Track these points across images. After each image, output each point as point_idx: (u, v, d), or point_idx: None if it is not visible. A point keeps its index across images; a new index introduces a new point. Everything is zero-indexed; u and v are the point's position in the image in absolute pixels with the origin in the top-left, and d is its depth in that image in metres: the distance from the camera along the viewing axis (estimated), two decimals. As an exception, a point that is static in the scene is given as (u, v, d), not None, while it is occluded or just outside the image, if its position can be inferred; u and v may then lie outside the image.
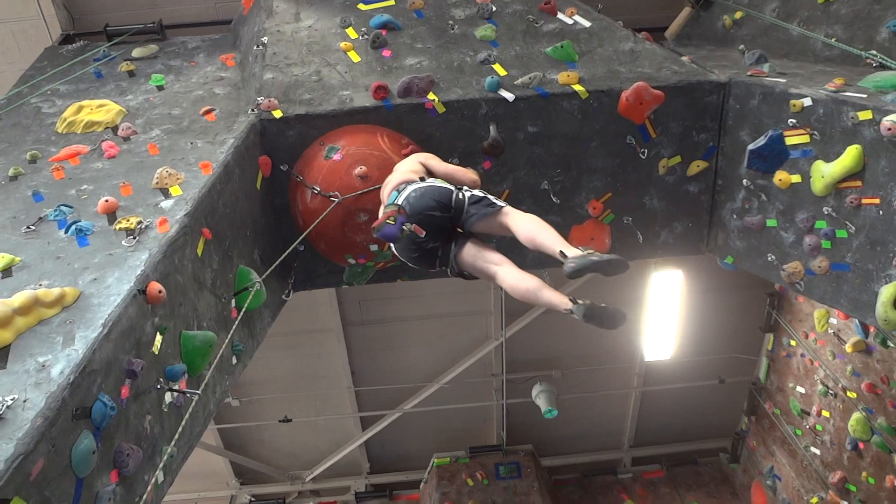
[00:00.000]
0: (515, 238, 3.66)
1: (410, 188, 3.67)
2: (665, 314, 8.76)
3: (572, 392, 9.42)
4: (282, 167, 4.64)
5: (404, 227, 3.52)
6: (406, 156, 4.49)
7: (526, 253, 4.07)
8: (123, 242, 3.34)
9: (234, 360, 4.05)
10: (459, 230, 3.76)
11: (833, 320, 7.50)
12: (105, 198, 3.63)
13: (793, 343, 8.36)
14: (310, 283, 5.11)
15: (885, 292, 3.99)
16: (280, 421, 9.33)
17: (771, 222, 4.72)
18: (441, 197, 3.59)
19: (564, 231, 5.04)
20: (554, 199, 4.86)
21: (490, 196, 3.69)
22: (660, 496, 9.89)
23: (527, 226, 3.55)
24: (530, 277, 3.51)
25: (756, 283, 8.19)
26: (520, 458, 9.60)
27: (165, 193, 3.76)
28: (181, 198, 3.71)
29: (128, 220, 3.49)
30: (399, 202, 3.64)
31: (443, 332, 8.92)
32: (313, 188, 4.40)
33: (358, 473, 10.48)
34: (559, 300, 3.36)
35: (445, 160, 4.58)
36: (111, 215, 3.56)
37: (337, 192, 4.32)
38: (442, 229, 3.64)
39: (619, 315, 3.27)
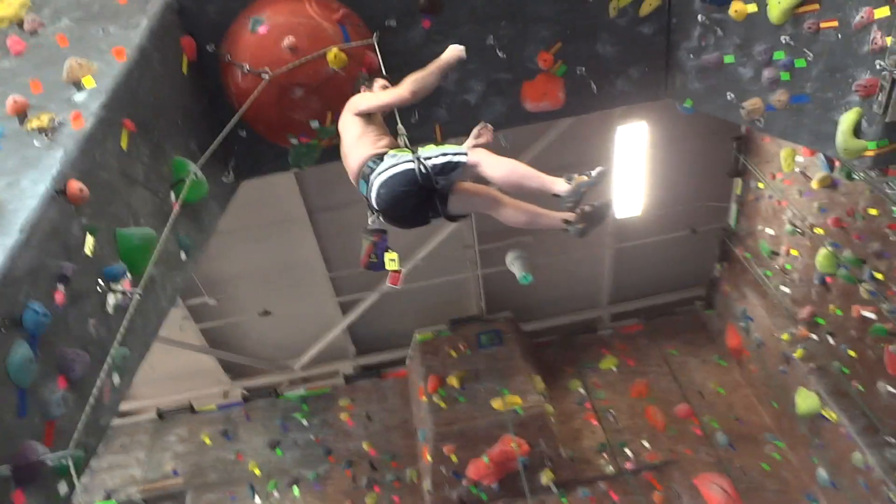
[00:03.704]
0: None
1: (376, 180, 3.44)
2: (632, 169, 8.68)
3: (547, 256, 9.45)
4: (208, 48, 4.32)
5: (385, 259, 3.58)
6: (338, 22, 4.19)
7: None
8: (36, 142, 3.12)
9: (184, 255, 3.93)
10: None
11: (799, 158, 7.45)
12: (13, 97, 3.36)
13: (760, 185, 8.34)
14: (257, 170, 4.92)
15: (845, 120, 3.87)
16: (260, 315, 9.36)
17: (728, 58, 4.53)
18: (407, 182, 3.39)
19: (516, 87, 4.83)
20: (500, 55, 4.60)
21: (449, 153, 3.43)
22: (639, 348, 10.19)
23: (503, 173, 3.42)
24: (523, 210, 3.49)
25: (722, 128, 8.06)
26: (500, 326, 9.78)
27: (78, 86, 3.49)
28: (95, 89, 3.45)
29: (39, 119, 3.24)
30: (370, 197, 3.49)
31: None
32: (242, 66, 4.12)
33: (345, 357, 10.68)
34: (554, 223, 3.42)
35: (382, 24, 4.31)
36: (21, 115, 3.31)
37: (267, 69, 4.04)
38: (423, 202, 3.46)
39: (605, 206, 3.40)
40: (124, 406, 10.65)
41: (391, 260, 3.70)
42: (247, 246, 8.78)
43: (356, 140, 3.69)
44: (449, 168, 3.40)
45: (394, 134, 3.82)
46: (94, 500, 9.29)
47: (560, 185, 3.31)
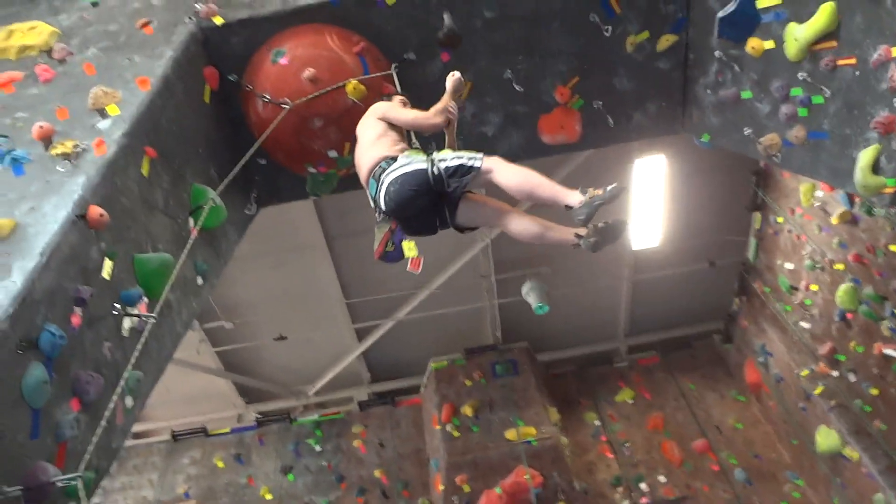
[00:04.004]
0: None
1: (386, 178, 3.42)
2: (651, 201, 8.67)
3: (564, 287, 9.43)
4: (230, 77, 4.41)
5: (404, 248, 3.53)
6: (357, 54, 4.26)
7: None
8: (59, 168, 3.19)
9: (200, 280, 3.97)
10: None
11: (819, 193, 7.39)
12: (39, 124, 3.45)
13: (780, 220, 8.28)
14: (276, 197, 4.99)
15: (864, 157, 3.85)
16: (275, 339, 9.40)
17: (746, 94, 4.53)
18: (418, 183, 3.35)
19: (533, 120, 4.87)
20: (518, 88, 4.65)
21: (464, 157, 3.40)
22: (656, 381, 10.08)
23: (517, 183, 3.35)
24: (533, 223, 3.41)
25: (741, 162, 8.05)
26: (516, 356, 9.73)
27: (103, 114, 3.58)
28: (119, 117, 3.53)
29: (63, 145, 3.32)
30: (378, 196, 3.45)
31: (429, 237, 8.82)
32: (263, 96, 4.19)
33: (359, 384, 10.68)
34: (566, 237, 3.34)
35: (401, 57, 4.36)
36: (47, 141, 3.39)
37: (287, 99, 4.11)
38: (431, 207, 3.44)
39: (620, 225, 3.25)
40: (139, 427, 10.71)
41: (409, 248, 3.65)
42: (264, 271, 8.86)
43: (374, 141, 3.66)
44: (462, 171, 3.35)
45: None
46: (106, 522, 9.32)
47: (574, 197, 3.21)
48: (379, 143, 3.64)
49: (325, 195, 4.93)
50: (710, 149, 5.28)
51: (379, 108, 3.81)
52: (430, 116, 3.69)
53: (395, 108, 3.81)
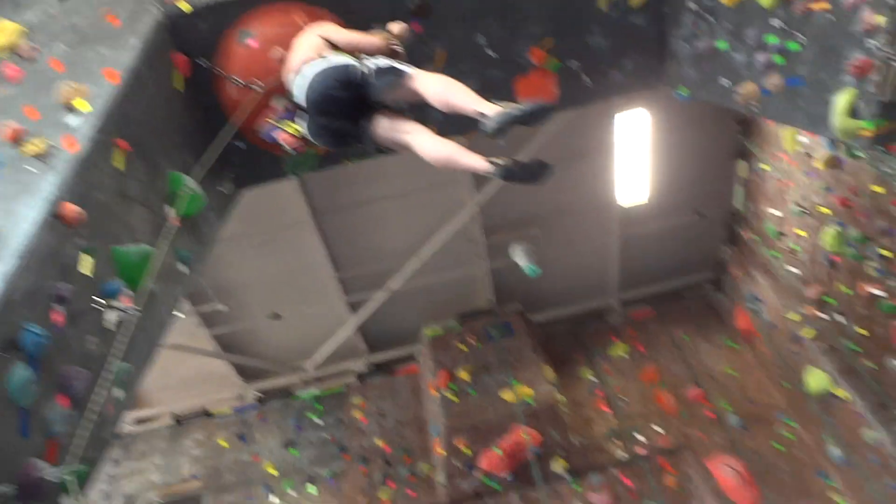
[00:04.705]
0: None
1: (311, 71, 3.40)
2: (636, 156, 8.65)
3: (554, 247, 9.47)
4: (200, 62, 4.34)
5: (286, 127, 3.57)
6: (326, 29, 4.19)
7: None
8: (31, 168, 3.16)
9: (184, 268, 3.97)
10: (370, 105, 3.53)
11: (803, 139, 7.39)
12: (9, 124, 3.40)
13: (765, 167, 8.29)
14: (257, 178, 4.95)
15: (840, 101, 3.84)
16: (270, 318, 9.43)
17: (721, 44, 4.50)
18: (342, 75, 3.34)
19: (508, 85, 4.83)
20: (492, 54, 4.59)
21: (396, 63, 3.43)
22: (650, 333, 10.18)
23: (437, 88, 3.32)
24: (446, 144, 3.35)
25: (724, 111, 8.01)
26: (509, 318, 9.79)
27: (72, 110, 3.53)
28: (89, 112, 3.48)
29: (35, 144, 3.28)
30: (299, 90, 3.42)
31: (416, 206, 8.83)
32: (234, 79, 4.14)
33: (357, 356, 10.74)
34: (477, 163, 3.23)
35: (368, 29, 4.29)
36: (17, 142, 3.35)
37: (258, 80, 4.06)
38: (351, 108, 3.42)
39: (542, 167, 3.11)
40: (141, 413, 10.79)
41: (292, 128, 3.64)
42: (254, 251, 8.85)
43: (308, 49, 3.63)
44: (389, 72, 3.35)
45: None
46: (115, 507, 9.45)
47: (491, 108, 3.11)
48: (311, 52, 3.63)
49: (304, 174, 4.90)
50: (690, 101, 5.26)
51: (320, 26, 3.80)
52: (371, 39, 3.69)
53: (337, 28, 3.80)
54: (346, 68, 3.37)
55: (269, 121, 3.66)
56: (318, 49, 3.59)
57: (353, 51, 3.63)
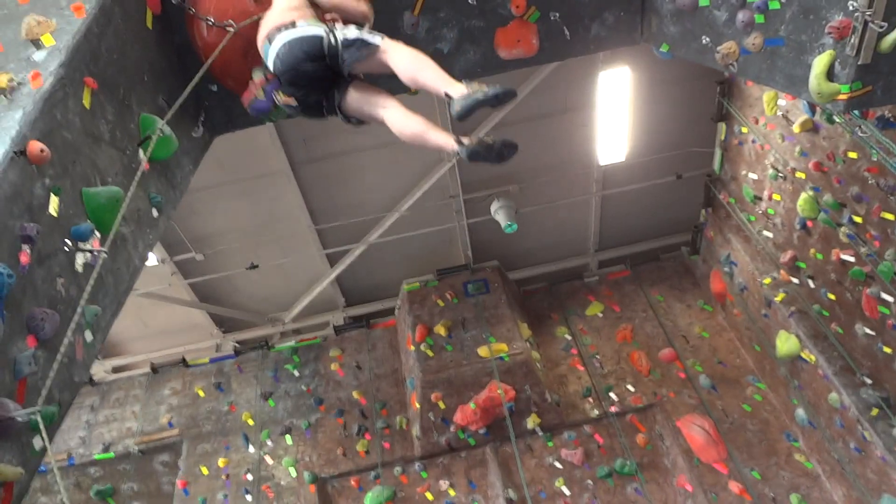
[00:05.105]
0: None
1: (279, 41, 3.34)
2: (616, 115, 8.63)
3: (532, 204, 9.48)
4: (171, 0, 4.23)
5: (276, 98, 3.43)
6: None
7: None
8: (-6, 103, 3.08)
9: (156, 213, 3.92)
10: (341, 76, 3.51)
11: (782, 102, 7.40)
12: (-29, 58, 3.31)
13: (744, 130, 8.31)
14: (230, 124, 4.87)
15: (818, 63, 3.84)
16: (247, 269, 9.41)
17: (703, 1, 4.45)
18: (311, 47, 3.30)
19: (489, 35, 4.77)
20: (471, 2, 4.51)
21: (366, 35, 3.37)
22: (625, 293, 10.29)
23: (406, 64, 3.31)
24: (415, 120, 3.38)
25: (706, 72, 8.00)
26: (487, 275, 9.85)
27: (37, 45, 3.43)
28: (54, 47, 3.39)
29: (-2, 79, 3.20)
30: (270, 60, 3.36)
31: (394, 159, 8.77)
32: (206, 19, 4.04)
33: (335, 308, 10.78)
34: (445, 142, 3.28)
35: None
36: (-20, 76, 3.27)
37: (231, 21, 3.97)
38: (320, 80, 3.39)
39: (508, 147, 3.22)
40: (118, 361, 10.80)
41: (282, 96, 3.62)
42: (231, 201, 8.79)
43: (286, 9, 3.57)
44: (359, 45, 3.33)
45: None
46: (93, 453, 9.50)
47: (456, 89, 3.15)
48: (290, 13, 3.56)
49: (279, 120, 4.83)
50: (670, 59, 5.22)
51: None
52: (357, 3, 3.66)
53: None
54: (312, 39, 3.30)
55: (258, 96, 3.60)
56: (297, 9, 3.52)
57: (334, 10, 3.58)
